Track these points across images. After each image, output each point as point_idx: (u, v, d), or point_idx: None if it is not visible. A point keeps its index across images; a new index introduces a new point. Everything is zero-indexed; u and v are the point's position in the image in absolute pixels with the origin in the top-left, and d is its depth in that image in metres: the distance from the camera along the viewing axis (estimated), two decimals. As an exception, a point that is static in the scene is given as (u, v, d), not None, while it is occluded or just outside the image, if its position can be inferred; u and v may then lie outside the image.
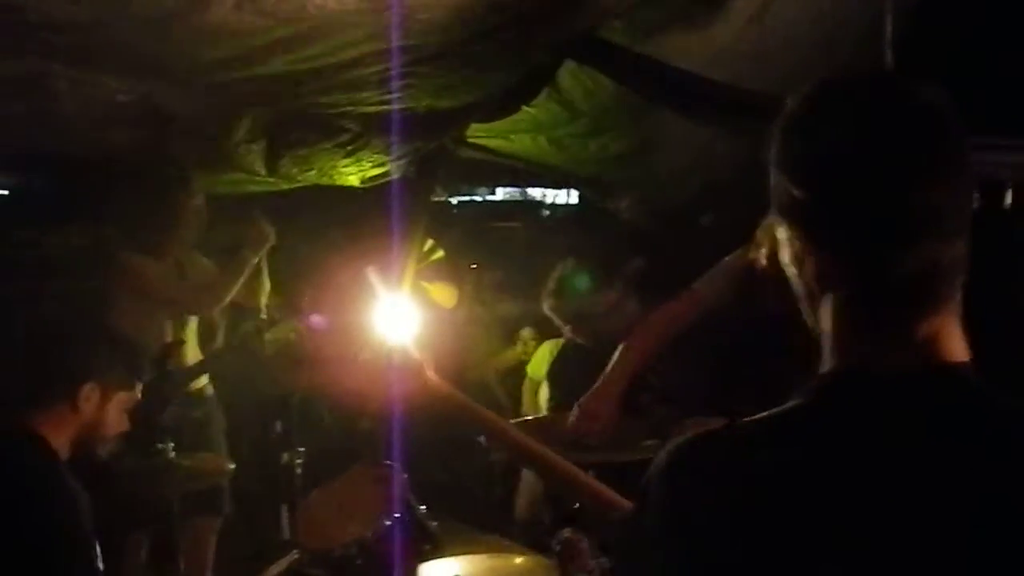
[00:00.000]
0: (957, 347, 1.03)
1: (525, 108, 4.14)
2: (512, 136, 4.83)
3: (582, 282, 3.50)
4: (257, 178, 4.19)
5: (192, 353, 4.40)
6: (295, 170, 4.22)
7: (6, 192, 6.03)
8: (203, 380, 4.43)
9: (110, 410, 2.68)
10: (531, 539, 3.68)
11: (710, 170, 5.33)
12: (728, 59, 3.63)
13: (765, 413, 1.05)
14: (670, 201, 5.99)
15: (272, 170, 4.07)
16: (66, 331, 2.90)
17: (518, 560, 3.02)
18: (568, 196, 8.81)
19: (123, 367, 2.75)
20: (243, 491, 4.18)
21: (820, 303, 1.06)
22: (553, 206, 9.34)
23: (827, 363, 1.06)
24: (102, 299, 4.21)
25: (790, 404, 1.04)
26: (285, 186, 4.51)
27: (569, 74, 3.83)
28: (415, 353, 1.82)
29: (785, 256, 1.09)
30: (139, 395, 2.82)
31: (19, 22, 2.40)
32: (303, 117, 3.62)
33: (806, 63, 3.80)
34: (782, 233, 1.08)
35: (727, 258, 3.22)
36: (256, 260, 4.25)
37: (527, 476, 4.71)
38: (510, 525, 4.53)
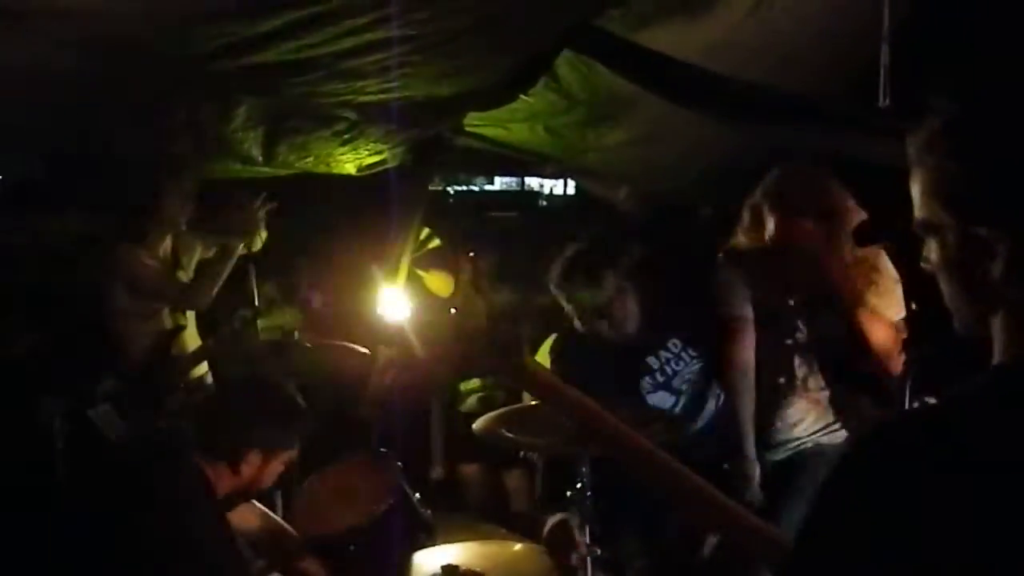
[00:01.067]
0: None
1: (523, 97, 4.13)
2: (510, 125, 4.82)
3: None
4: (254, 166, 4.18)
5: (192, 339, 4.41)
6: (292, 158, 4.22)
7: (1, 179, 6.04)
8: (203, 367, 4.44)
9: (270, 470, 2.64)
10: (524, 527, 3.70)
11: (709, 162, 5.33)
12: (726, 50, 3.62)
13: (945, 399, 1.06)
14: (668, 192, 5.99)
15: (269, 158, 4.07)
16: (232, 397, 2.85)
17: (512, 547, 3.03)
18: (565, 186, 8.82)
19: (287, 432, 2.67)
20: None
21: (1000, 298, 1.06)
22: (551, 196, 9.36)
23: (1005, 352, 1.07)
24: (101, 297, 4.23)
25: (971, 392, 1.04)
26: (282, 174, 4.51)
27: (567, 63, 3.82)
28: (514, 335, 1.82)
29: (941, 255, 1.11)
30: (297, 451, 2.74)
31: (20, 11, 2.40)
32: (300, 105, 3.62)
33: (803, 55, 3.80)
34: (948, 231, 1.09)
35: (724, 271, 3.38)
36: (242, 247, 4.27)
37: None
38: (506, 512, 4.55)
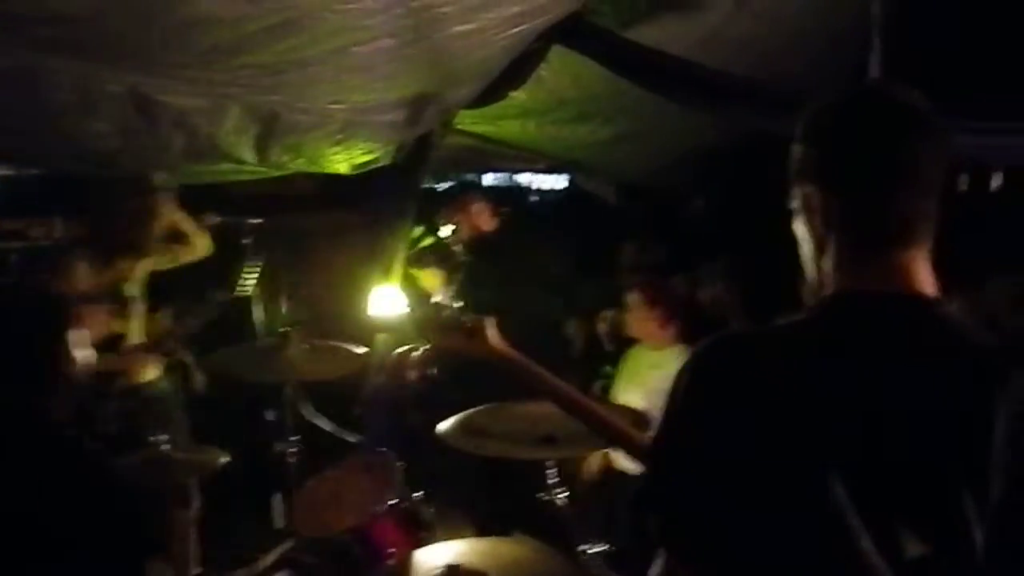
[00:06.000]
0: (927, 279, 1.36)
1: (513, 94, 4.13)
2: (500, 122, 4.82)
3: None
4: (246, 167, 4.17)
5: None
6: (285, 159, 4.19)
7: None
8: (152, 373, 4.41)
9: None
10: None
11: (700, 155, 5.35)
12: (715, 44, 3.63)
13: (778, 322, 1.37)
14: (660, 186, 6.00)
15: (262, 159, 4.05)
16: None
17: (513, 544, 3.03)
18: (556, 181, 8.82)
19: None
20: (236, 481, 4.17)
21: (825, 245, 1.39)
22: (541, 191, 9.35)
23: (828, 290, 1.38)
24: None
25: (798, 317, 1.37)
26: (275, 175, 4.50)
27: (557, 60, 3.82)
28: (476, 318, 2.16)
29: (799, 220, 1.44)
30: None
31: (6, 14, 2.39)
32: (292, 105, 3.61)
33: (792, 48, 3.81)
34: (798, 200, 1.43)
35: None
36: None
37: None
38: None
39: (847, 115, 1.40)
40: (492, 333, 2.13)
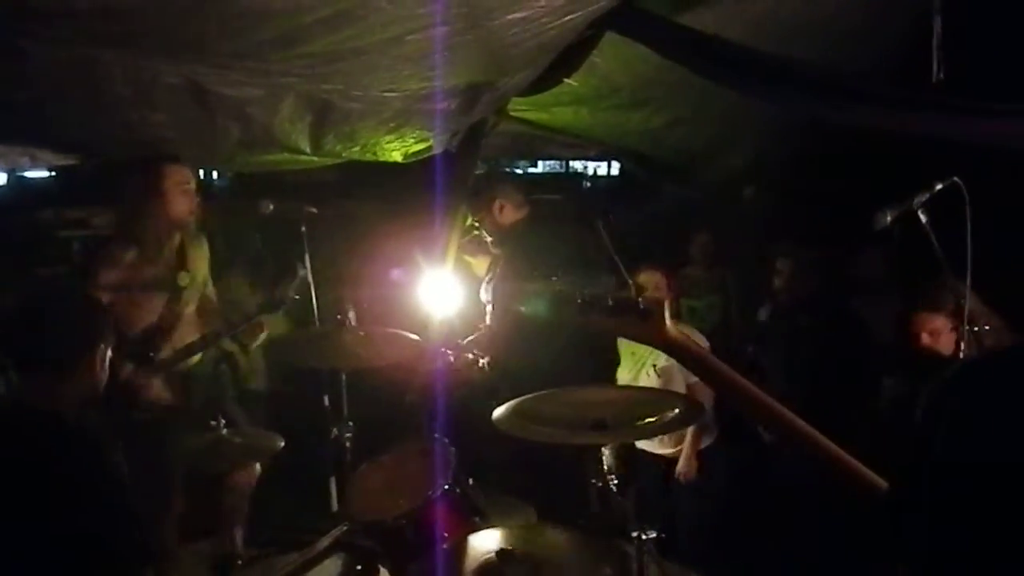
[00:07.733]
0: None
1: (566, 81, 4.12)
2: (553, 109, 4.82)
3: None
4: (302, 156, 4.21)
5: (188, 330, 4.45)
6: (339, 147, 4.23)
7: (53, 174, 6.17)
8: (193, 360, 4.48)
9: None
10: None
11: (753, 142, 5.30)
12: (770, 29, 3.59)
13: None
14: (712, 173, 5.96)
15: (316, 148, 4.09)
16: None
17: (563, 529, 3.05)
18: (609, 168, 8.81)
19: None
20: (293, 465, 4.24)
21: None
22: (595, 177, 9.34)
23: None
24: None
25: None
26: (329, 163, 4.54)
27: (609, 47, 3.81)
28: (653, 298, 1.95)
29: None
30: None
31: (64, 8, 2.44)
32: (346, 93, 3.64)
33: (849, 32, 3.76)
34: None
35: None
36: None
37: None
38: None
39: None
40: (668, 317, 1.92)
